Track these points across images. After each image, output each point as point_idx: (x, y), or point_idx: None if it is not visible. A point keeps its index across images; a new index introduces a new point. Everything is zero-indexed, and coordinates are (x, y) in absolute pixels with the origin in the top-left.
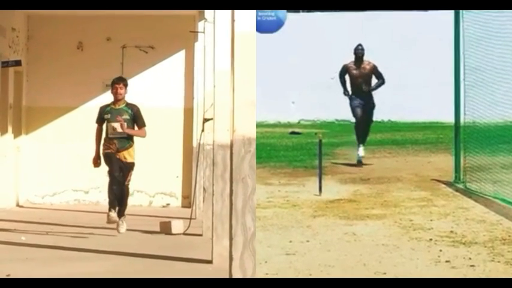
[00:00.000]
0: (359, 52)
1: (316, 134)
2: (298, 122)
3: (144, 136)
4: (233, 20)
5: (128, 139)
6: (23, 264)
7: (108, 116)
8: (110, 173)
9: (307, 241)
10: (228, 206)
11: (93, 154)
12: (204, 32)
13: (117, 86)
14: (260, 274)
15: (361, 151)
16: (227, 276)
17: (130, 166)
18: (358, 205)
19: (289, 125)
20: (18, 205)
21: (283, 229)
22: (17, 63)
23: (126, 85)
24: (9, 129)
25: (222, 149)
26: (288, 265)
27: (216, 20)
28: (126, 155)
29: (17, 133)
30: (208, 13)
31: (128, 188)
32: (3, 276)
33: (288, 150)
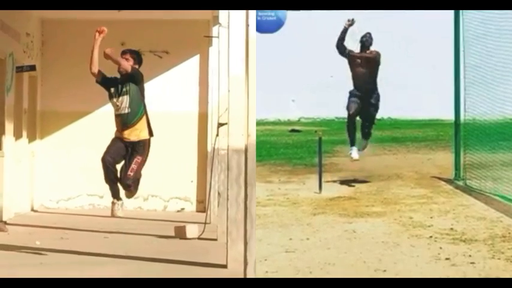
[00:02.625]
0: (366, 41)
1: (316, 131)
2: (298, 120)
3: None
4: (247, 25)
5: (135, 112)
6: (37, 269)
7: (113, 90)
8: (103, 156)
9: (307, 239)
10: (242, 210)
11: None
12: (218, 37)
13: (122, 56)
14: (260, 272)
15: (354, 153)
16: None
17: (138, 146)
18: (358, 203)
19: (289, 122)
20: (32, 210)
21: (283, 227)
22: (32, 68)
23: (134, 58)
24: (24, 134)
25: (237, 154)
26: (287, 263)
27: (231, 24)
28: (129, 133)
29: (31, 138)
30: (223, 18)
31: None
32: None
33: (288, 148)
